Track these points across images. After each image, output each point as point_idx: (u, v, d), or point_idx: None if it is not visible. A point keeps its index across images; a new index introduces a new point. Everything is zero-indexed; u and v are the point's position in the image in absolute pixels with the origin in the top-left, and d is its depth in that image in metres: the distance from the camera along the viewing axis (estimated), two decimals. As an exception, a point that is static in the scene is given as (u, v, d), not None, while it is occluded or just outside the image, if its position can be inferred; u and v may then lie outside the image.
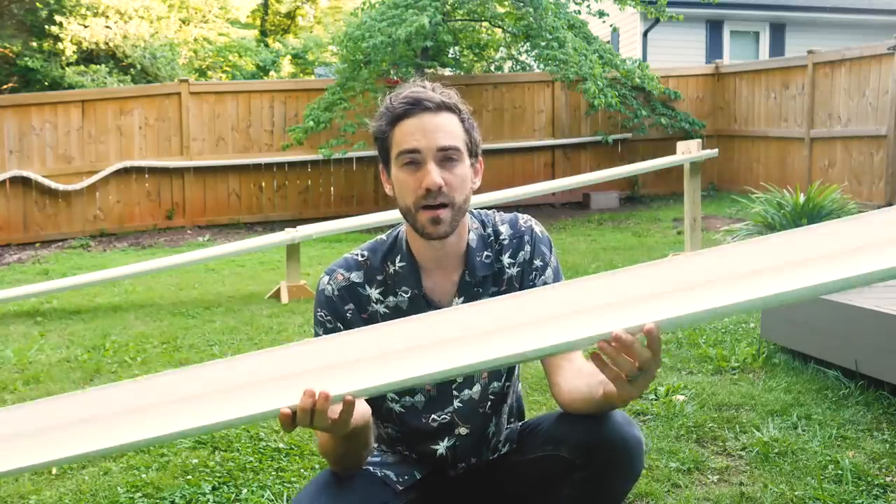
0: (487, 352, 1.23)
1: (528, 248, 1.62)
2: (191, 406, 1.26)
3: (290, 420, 1.24)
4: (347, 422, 1.27)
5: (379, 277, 1.59)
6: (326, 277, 1.59)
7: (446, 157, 1.48)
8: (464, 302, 1.56)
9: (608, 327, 1.21)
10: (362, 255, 1.61)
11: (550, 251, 1.65)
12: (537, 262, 1.62)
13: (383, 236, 1.64)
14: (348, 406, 1.25)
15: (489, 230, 1.63)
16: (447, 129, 1.49)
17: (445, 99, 1.51)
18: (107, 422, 1.26)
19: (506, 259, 1.61)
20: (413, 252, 1.58)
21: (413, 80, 1.58)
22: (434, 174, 1.46)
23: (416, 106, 1.48)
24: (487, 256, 1.61)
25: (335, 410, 1.25)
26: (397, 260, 1.59)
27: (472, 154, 1.55)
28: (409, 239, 1.59)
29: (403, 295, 1.57)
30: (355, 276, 1.59)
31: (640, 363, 1.22)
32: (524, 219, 1.66)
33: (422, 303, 1.57)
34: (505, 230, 1.63)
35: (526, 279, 1.61)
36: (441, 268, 1.58)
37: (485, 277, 1.59)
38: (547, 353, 1.25)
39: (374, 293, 1.58)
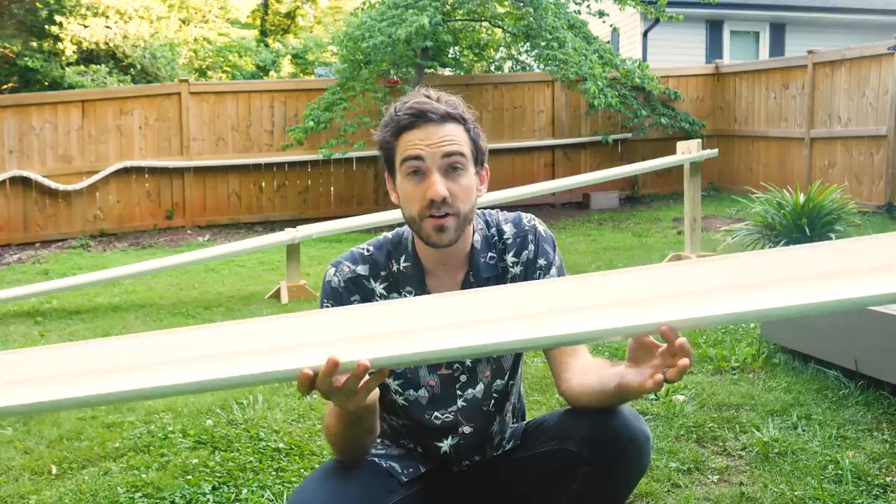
0: (514, 333, 1.23)
1: (531, 247, 1.63)
2: (208, 362, 1.24)
3: (309, 382, 1.22)
4: (367, 393, 1.27)
5: (383, 273, 1.60)
6: (332, 269, 1.61)
7: (451, 166, 1.49)
8: None
9: (647, 320, 1.23)
10: (367, 251, 1.62)
11: (554, 250, 1.66)
12: (541, 262, 1.62)
13: (388, 234, 1.65)
14: (378, 375, 1.25)
15: (493, 230, 1.64)
16: (452, 139, 1.49)
17: (450, 109, 1.50)
18: (120, 370, 1.24)
19: (509, 258, 1.62)
20: (418, 253, 1.59)
21: (418, 89, 1.58)
22: (438, 185, 1.46)
23: (420, 118, 1.48)
24: (492, 258, 1.61)
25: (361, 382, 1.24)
26: (402, 259, 1.60)
27: (478, 162, 1.56)
28: (414, 240, 1.60)
29: (407, 294, 1.59)
30: (361, 269, 1.60)
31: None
32: (528, 218, 1.67)
33: None
34: (508, 229, 1.64)
35: (530, 278, 1.61)
36: (445, 268, 1.60)
37: (488, 278, 1.60)
38: (573, 340, 1.26)
39: (378, 288, 1.60)
